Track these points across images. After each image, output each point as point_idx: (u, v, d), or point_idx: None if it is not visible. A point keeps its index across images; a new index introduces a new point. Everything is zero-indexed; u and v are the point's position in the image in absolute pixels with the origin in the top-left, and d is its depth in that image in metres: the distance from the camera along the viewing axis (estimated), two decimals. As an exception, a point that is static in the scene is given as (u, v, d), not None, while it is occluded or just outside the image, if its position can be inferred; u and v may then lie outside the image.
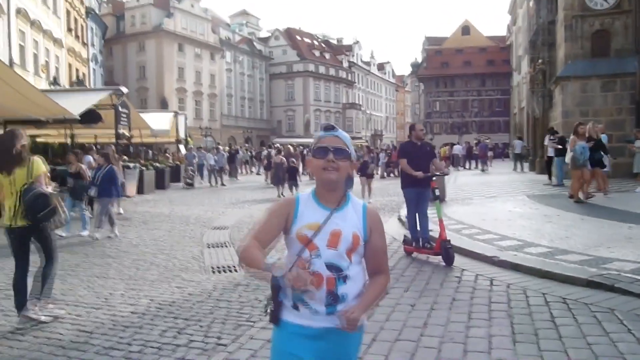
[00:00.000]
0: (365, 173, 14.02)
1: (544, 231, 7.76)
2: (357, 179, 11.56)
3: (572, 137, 11.51)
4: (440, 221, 6.42)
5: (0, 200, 4.56)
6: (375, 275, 1.94)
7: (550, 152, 15.83)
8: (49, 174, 4.79)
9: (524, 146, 27.13)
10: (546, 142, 16.47)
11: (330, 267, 1.79)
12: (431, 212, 7.03)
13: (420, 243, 6.72)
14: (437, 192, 6.62)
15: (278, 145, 29.26)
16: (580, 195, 11.01)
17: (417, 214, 6.88)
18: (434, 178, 6.68)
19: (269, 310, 1.85)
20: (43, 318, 4.40)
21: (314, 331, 1.80)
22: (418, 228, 6.86)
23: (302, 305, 1.80)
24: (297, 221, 1.83)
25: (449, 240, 6.26)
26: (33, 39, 25.03)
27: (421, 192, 6.77)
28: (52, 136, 20.10)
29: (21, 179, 4.41)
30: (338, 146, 1.84)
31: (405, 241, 7.01)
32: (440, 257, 6.30)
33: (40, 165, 4.53)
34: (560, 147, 15.13)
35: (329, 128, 1.90)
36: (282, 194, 16.50)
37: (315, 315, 1.79)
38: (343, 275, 1.80)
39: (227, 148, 31.05)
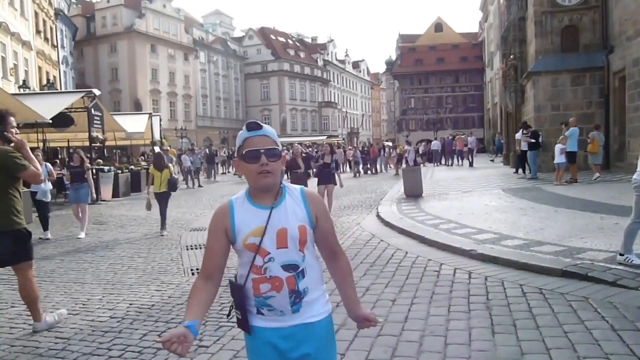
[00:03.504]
0: (325, 180, 10.52)
1: (520, 224, 7.91)
2: (315, 187, 9.85)
3: None
4: None
5: (150, 183, 9.73)
6: (335, 261, 1.90)
7: (524, 146, 16.13)
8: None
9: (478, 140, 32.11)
10: (519, 136, 16.77)
11: (287, 267, 1.73)
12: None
13: None
14: None
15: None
16: None
17: None
18: None
19: (235, 318, 1.81)
20: (165, 233, 9.27)
21: (284, 331, 1.76)
22: None
23: (266, 309, 1.76)
24: (238, 230, 1.75)
25: None
26: (0, 41, 24.42)
27: None
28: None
29: (166, 174, 9.43)
30: (269, 147, 1.74)
31: None
32: None
33: (171, 168, 9.74)
34: (533, 141, 15.46)
35: (254, 127, 1.75)
36: None
37: (282, 317, 1.75)
38: (300, 270, 1.75)
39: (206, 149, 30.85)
